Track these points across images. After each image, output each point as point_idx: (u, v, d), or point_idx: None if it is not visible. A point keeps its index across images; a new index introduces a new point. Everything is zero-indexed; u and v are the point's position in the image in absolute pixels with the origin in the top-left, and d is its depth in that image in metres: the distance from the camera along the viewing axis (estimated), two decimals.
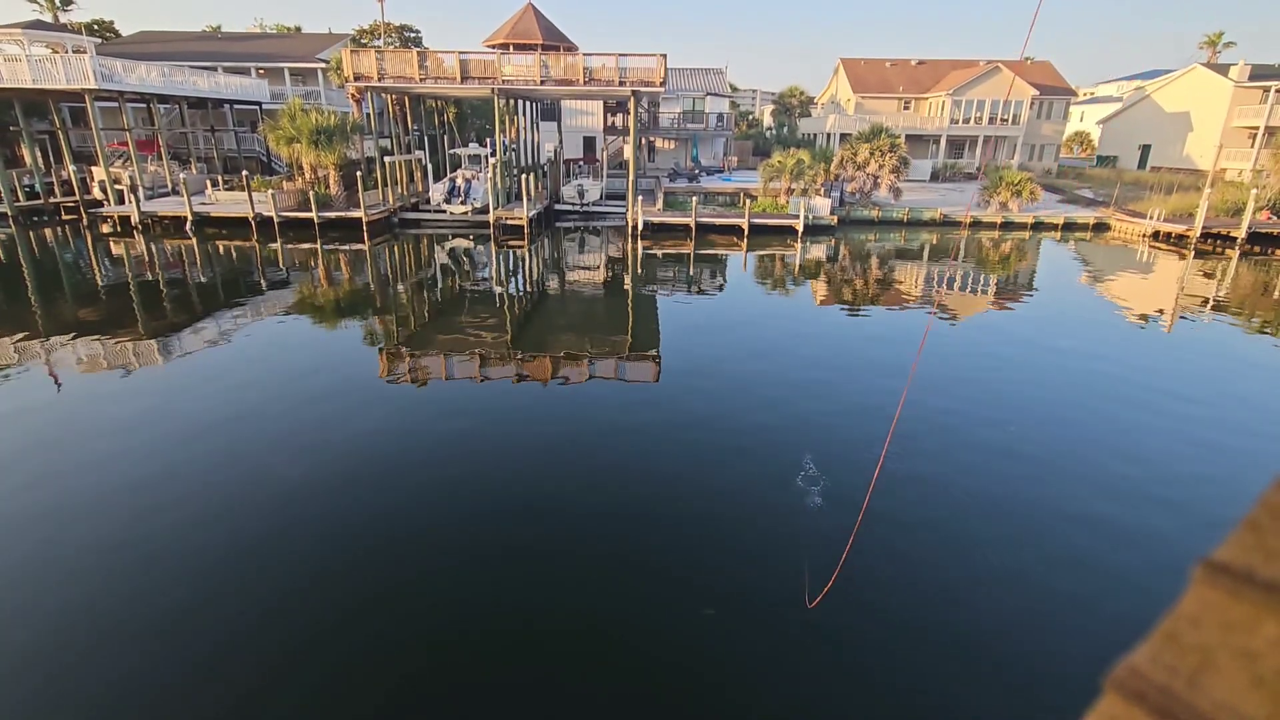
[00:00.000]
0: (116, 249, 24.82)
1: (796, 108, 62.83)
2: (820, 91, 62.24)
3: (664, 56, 26.50)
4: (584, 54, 26.91)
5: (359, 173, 28.99)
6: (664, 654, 6.06)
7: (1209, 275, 23.91)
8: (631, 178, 28.94)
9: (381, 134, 31.64)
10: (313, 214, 27.30)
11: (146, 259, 23.62)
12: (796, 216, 28.63)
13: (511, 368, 13.35)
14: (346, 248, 25.70)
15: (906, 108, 50.19)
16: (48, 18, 44.83)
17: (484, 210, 29.20)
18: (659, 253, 26.32)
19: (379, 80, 27.10)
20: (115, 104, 31.90)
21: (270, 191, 27.87)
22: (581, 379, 12.89)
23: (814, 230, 29.59)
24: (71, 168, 30.36)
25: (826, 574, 6.67)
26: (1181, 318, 17.92)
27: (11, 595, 6.65)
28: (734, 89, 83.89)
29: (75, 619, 6.30)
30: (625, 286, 21.24)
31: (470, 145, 34.79)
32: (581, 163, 42.81)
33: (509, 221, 28.27)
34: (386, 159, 30.00)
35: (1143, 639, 0.39)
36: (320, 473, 8.98)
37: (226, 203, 29.29)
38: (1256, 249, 27.71)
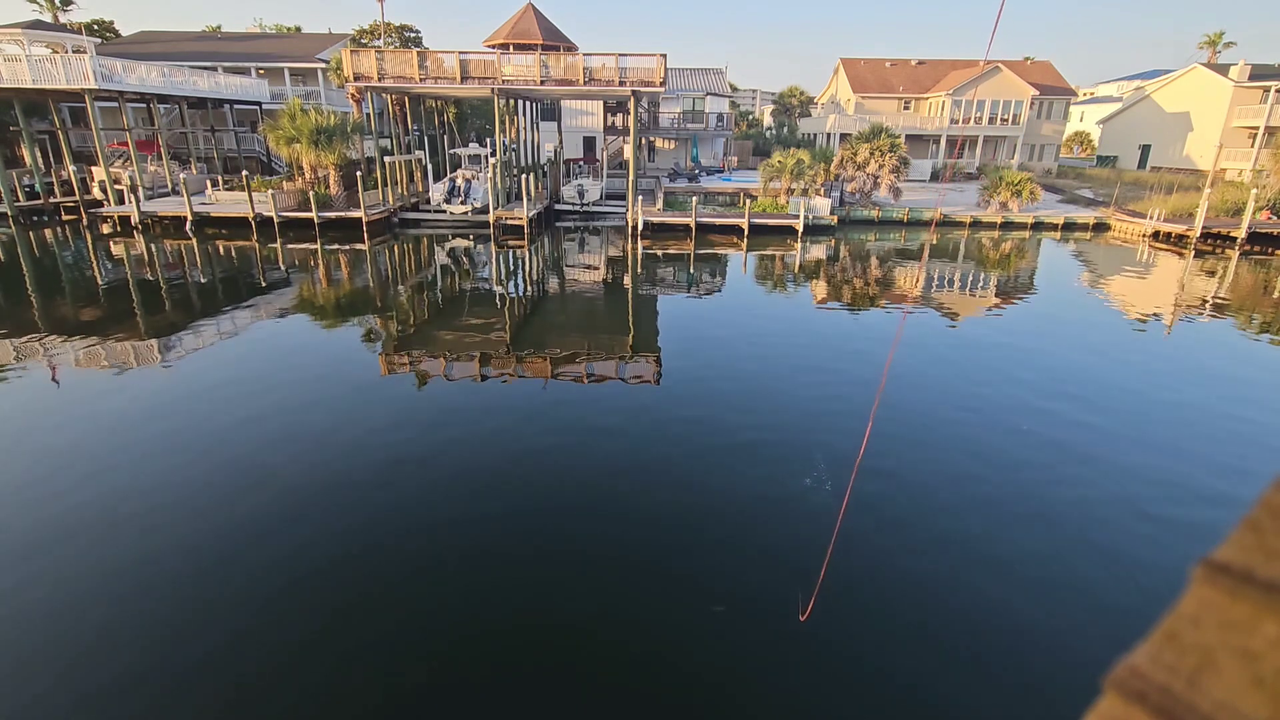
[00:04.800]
0: (116, 249, 24.82)
1: (796, 108, 62.88)
2: (820, 92, 62.26)
3: (664, 56, 26.51)
4: (584, 54, 26.92)
5: (359, 173, 29.01)
6: (661, 656, 6.05)
7: (1209, 275, 23.91)
8: (631, 178, 28.94)
9: (381, 134, 31.62)
10: (313, 214, 27.29)
11: (146, 259, 23.62)
12: (796, 216, 28.63)
13: (511, 368, 13.35)
14: (346, 248, 25.70)
15: (906, 108, 50.19)
16: (48, 18, 44.82)
17: (484, 210, 29.21)
18: (659, 253, 26.32)
19: (379, 80, 27.11)
20: (115, 104, 31.93)
21: (270, 191, 27.88)
22: (581, 379, 12.90)
23: (814, 230, 29.59)
24: (71, 168, 30.35)
25: (825, 583, 6.56)
26: (1181, 317, 17.92)
27: (10, 596, 6.65)
28: (734, 89, 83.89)
29: (75, 618, 6.30)
30: (625, 286, 21.24)
31: (470, 145, 34.80)
32: (581, 163, 42.82)
33: (509, 221, 28.28)
34: (386, 159, 30.00)
35: (1143, 639, 0.39)
36: (321, 473, 8.98)
37: (226, 203, 29.29)
38: (1256, 249, 27.72)
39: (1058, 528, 8.01)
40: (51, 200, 31.04)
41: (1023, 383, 12.76)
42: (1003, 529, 8.00)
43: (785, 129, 58.84)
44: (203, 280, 20.69)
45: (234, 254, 24.62)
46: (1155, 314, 18.30)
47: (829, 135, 46.33)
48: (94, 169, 31.62)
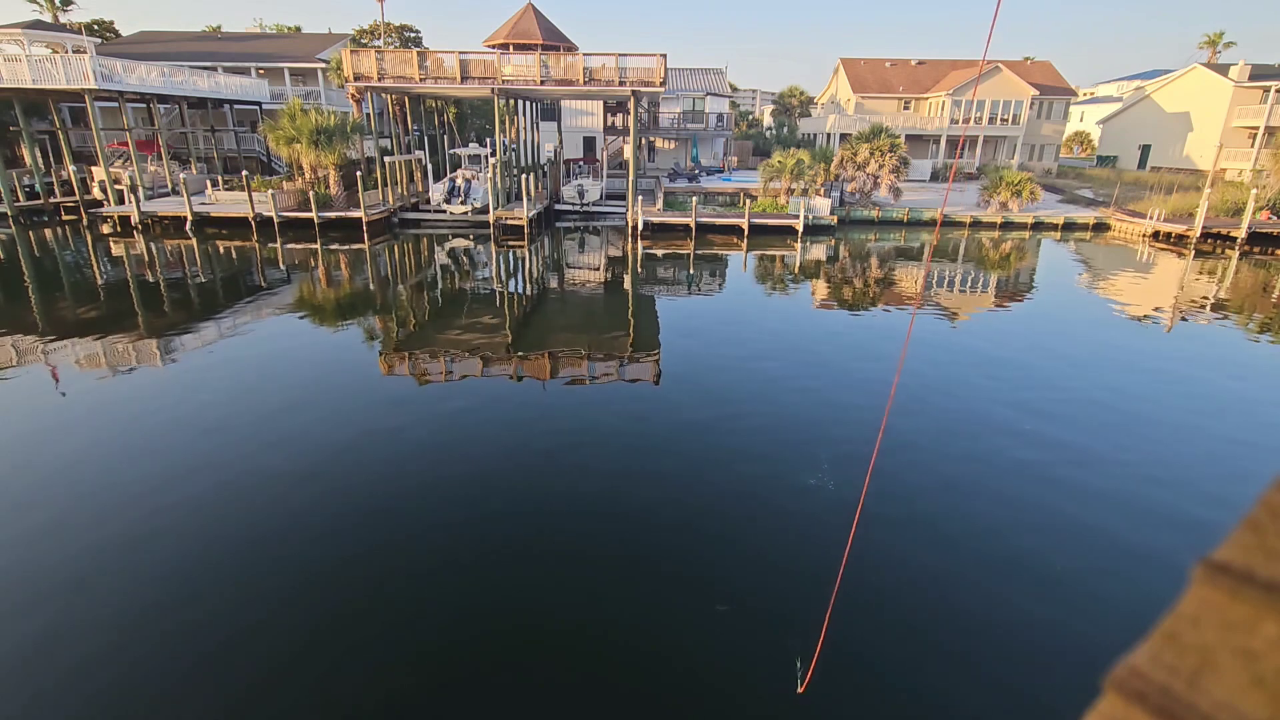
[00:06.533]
0: (116, 249, 24.81)
1: (796, 108, 62.85)
2: (820, 92, 62.26)
3: (664, 56, 26.50)
4: (584, 54, 26.91)
5: (359, 173, 29.02)
6: (657, 657, 6.05)
7: (1209, 275, 23.91)
8: (631, 178, 28.94)
9: (381, 134, 31.62)
10: (313, 214, 27.29)
11: (146, 259, 23.61)
12: (796, 216, 28.63)
13: (511, 368, 13.35)
14: (346, 248, 25.70)
15: (906, 108, 50.18)
16: (48, 18, 44.80)
17: (484, 210, 29.21)
18: (659, 253, 26.32)
19: (379, 80, 27.11)
20: (115, 104, 31.92)
21: (270, 191, 27.88)
22: (581, 379, 12.90)
23: (814, 230, 29.59)
24: (71, 168, 30.35)
25: (825, 649, 5.40)
26: (1181, 318, 17.92)
27: (10, 595, 6.64)
28: (734, 89, 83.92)
29: (74, 618, 6.30)
30: (625, 286, 21.24)
31: (470, 145, 34.80)
32: (581, 163, 42.82)
33: (509, 221, 28.27)
34: (386, 159, 30.00)
35: (1143, 639, 0.39)
36: (320, 473, 8.97)
37: (226, 203, 29.29)
38: (1256, 249, 27.71)
39: (1087, 578, 7.07)
40: (51, 200, 31.03)
41: (1026, 388, 12.76)
42: (1023, 574, 7.18)
43: (785, 129, 58.82)
44: (203, 280, 20.69)
45: (234, 254, 24.62)
46: (1155, 315, 18.29)
47: (829, 135, 46.30)
48: (94, 169, 31.62)
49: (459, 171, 31.57)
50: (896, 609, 6.58)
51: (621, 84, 26.87)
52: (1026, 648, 6.19)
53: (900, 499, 8.43)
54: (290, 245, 25.79)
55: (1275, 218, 29.47)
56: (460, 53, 26.63)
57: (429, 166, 33.80)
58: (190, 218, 27.21)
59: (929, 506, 8.38)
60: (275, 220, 27.18)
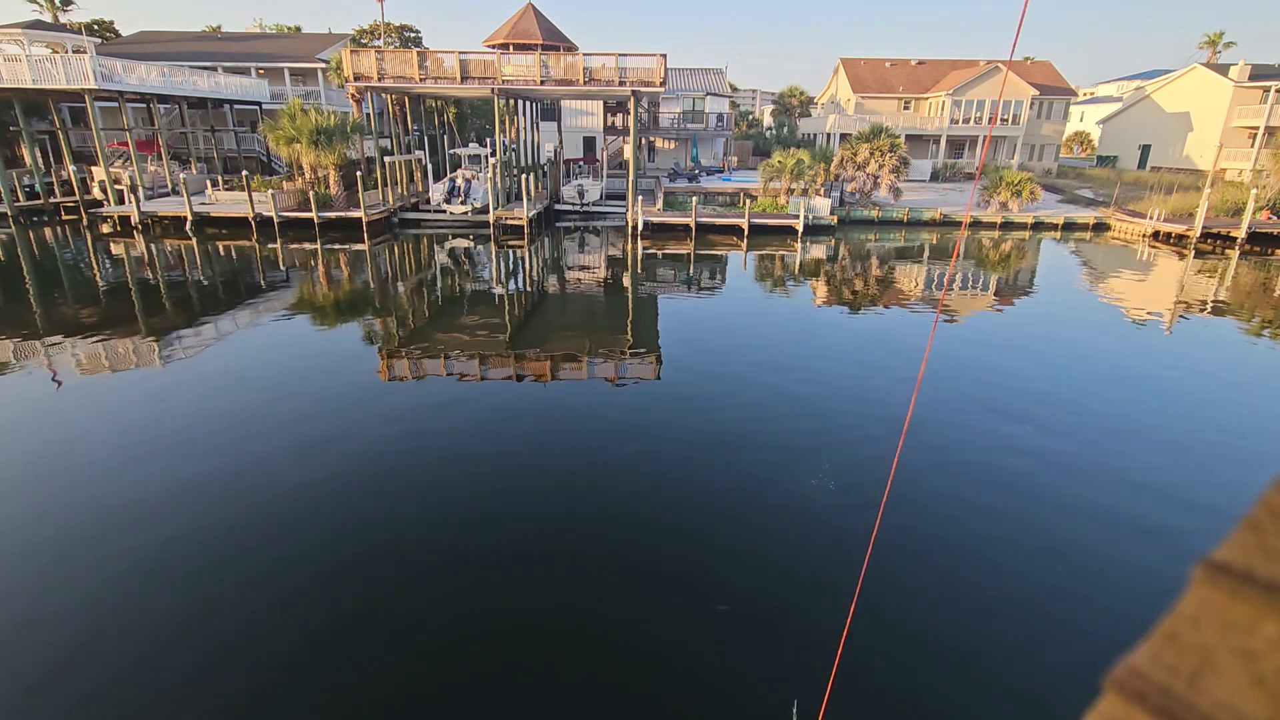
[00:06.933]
0: (116, 249, 24.81)
1: (796, 108, 62.86)
2: (820, 92, 62.25)
3: (664, 56, 26.51)
4: (584, 54, 26.91)
5: (359, 173, 29.02)
6: (657, 657, 6.05)
7: (1209, 275, 23.90)
8: (631, 178, 28.93)
9: (381, 134, 31.62)
10: (313, 214, 27.29)
11: (146, 259, 23.61)
12: (796, 216, 28.62)
13: (511, 368, 13.35)
14: (346, 248, 25.70)
15: (906, 108, 50.18)
16: (48, 18, 44.79)
17: (484, 210, 29.21)
18: (659, 253, 26.31)
19: (379, 80, 27.11)
20: (115, 104, 31.92)
21: (270, 191, 27.87)
22: (581, 380, 12.89)
23: (814, 230, 29.58)
24: (71, 168, 30.34)
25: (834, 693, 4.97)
26: (1181, 318, 17.91)
27: (9, 598, 6.64)
28: (734, 89, 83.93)
29: (72, 620, 6.29)
30: (625, 286, 21.23)
31: (470, 145, 34.80)
32: (581, 163, 42.82)
33: (509, 221, 28.27)
34: (386, 159, 30.00)
35: (1143, 639, 0.39)
36: (319, 474, 8.97)
37: (226, 203, 29.29)
38: (1256, 249, 27.71)
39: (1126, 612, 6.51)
40: (51, 200, 31.03)
41: (1027, 393, 12.75)
42: (1031, 582, 6.97)
43: (785, 129, 58.81)
44: (203, 280, 20.68)
45: (234, 254, 24.61)
46: (1156, 314, 18.29)
47: (829, 135, 46.30)
48: (94, 169, 31.62)
49: (459, 171, 31.57)
50: (906, 631, 6.56)
51: (621, 84, 26.87)
52: (1049, 664, 6.18)
53: (904, 510, 8.42)
54: (290, 245, 25.78)
55: (1275, 218, 29.46)
56: (460, 53, 26.63)
57: (429, 166, 33.80)
58: (190, 218, 27.20)
59: (935, 513, 8.37)
60: (275, 220, 27.17)
